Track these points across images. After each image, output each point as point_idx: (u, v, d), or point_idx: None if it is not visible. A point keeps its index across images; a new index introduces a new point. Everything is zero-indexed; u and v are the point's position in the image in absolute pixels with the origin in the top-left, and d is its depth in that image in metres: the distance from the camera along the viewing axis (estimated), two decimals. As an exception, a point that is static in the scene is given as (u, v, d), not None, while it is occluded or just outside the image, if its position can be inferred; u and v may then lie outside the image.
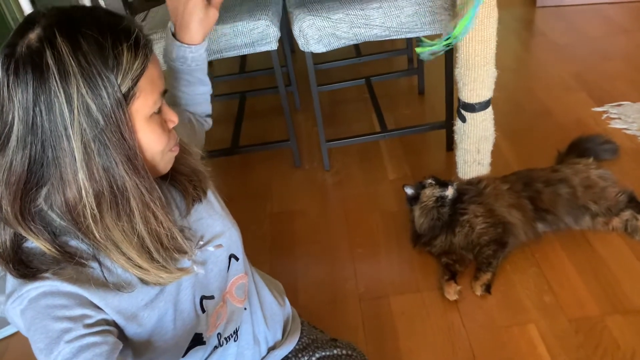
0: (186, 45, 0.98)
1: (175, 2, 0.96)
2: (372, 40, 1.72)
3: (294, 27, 1.71)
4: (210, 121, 1.10)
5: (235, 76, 2.68)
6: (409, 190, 1.56)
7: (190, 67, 1.01)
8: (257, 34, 1.73)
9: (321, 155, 2.02)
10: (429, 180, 1.54)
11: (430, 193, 1.50)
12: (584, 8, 2.93)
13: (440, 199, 1.49)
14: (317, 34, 1.68)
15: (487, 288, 1.41)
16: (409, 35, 1.73)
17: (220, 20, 1.75)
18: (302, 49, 1.74)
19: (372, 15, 1.67)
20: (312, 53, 1.76)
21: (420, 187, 1.54)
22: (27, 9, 1.72)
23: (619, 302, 1.33)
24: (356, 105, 2.42)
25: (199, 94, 1.06)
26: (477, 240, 1.48)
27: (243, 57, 2.81)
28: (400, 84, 2.54)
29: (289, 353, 1.07)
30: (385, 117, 2.11)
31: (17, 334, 1.58)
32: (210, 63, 2.91)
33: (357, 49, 2.71)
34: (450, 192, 1.50)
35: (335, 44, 1.72)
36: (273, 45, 1.76)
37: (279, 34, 1.76)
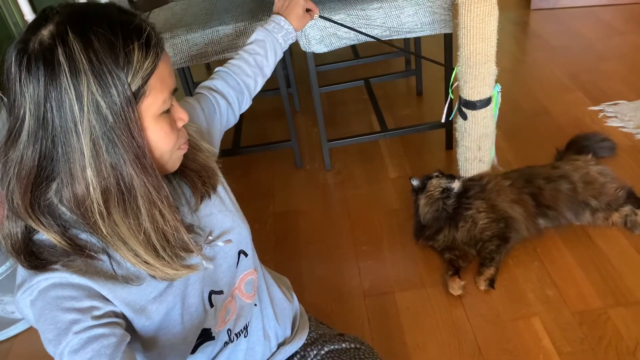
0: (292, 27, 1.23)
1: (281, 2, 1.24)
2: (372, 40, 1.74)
3: (296, 28, 1.72)
4: (251, 100, 1.23)
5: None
6: (415, 182, 1.59)
7: (287, 44, 1.26)
8: (259, 35, 1.74)
9: (322, 155, 2.03)
10: (436, 173, 1.56)
11: (437, 183, 1.53)
12: (578, 10, 2.97)
13: (447, 191, 1.51)
14: (318, 34, 1.70)
15: (491, 283, 1.43)
16: (409, 36, 1.75)
17: (222, 21, 1.76)
18: (303, 49, 1.75)
19: (372, 16, 1.69)
20: (313, 54, 1.78)
21: (426, 178, 1.57)
22: (28, 11, 1.73)
23: (622, 295, 1.35)
24: (355, 106, 2.44)
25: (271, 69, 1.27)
26: (479, 236, 1.50)
27: (241, 60, 2.82)
28: (398, 85, 2.56)
29: (298, 348, 1.08)
30: (384, 118, 2.13)
31: (20, 334, 1.58)
32: (208, 65, 2.93)
33: (355, 51, 2.72)
34: (456, 185, 1.52)
35: (337, 44, 1.74)
36: (275, 46, 1.77)
37: (280, 35, 1.76)
